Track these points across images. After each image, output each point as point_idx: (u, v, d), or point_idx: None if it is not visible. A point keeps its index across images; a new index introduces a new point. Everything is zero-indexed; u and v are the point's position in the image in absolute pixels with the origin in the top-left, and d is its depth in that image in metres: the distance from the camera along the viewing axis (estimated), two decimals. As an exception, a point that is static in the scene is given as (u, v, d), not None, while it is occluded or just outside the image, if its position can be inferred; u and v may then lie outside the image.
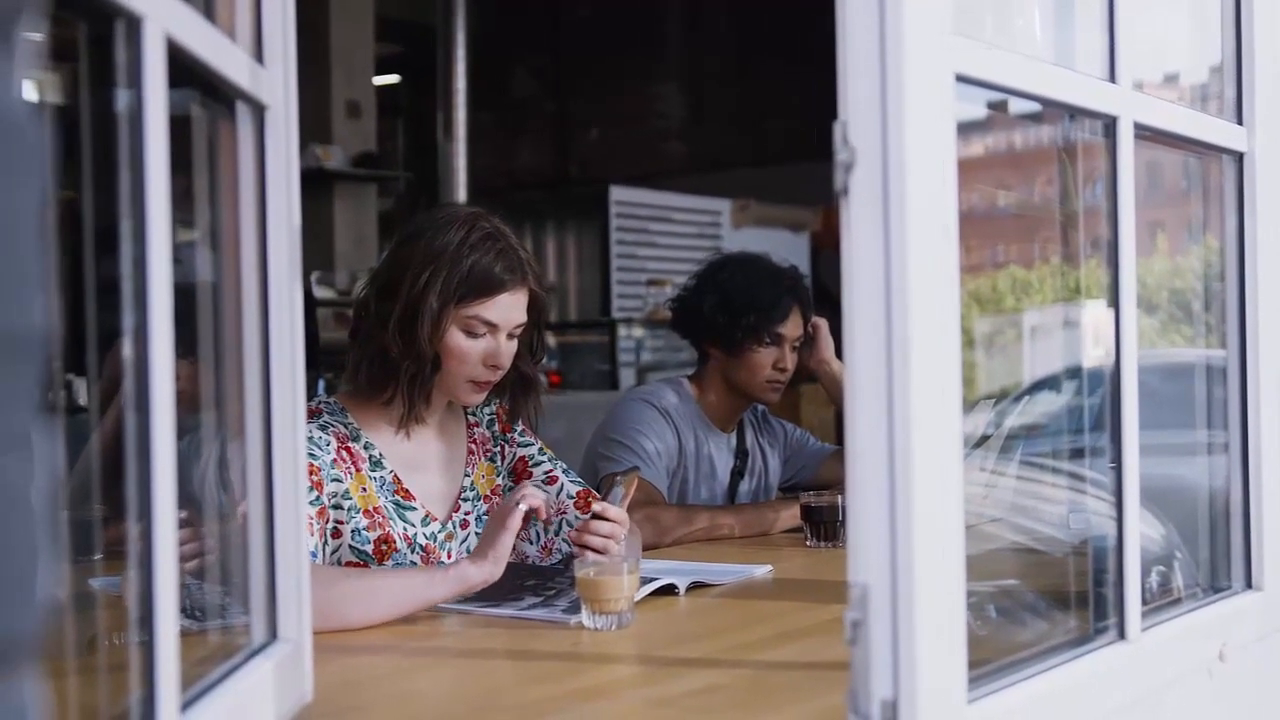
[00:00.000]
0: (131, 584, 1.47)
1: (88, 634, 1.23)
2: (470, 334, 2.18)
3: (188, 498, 1.10)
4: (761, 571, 2.32)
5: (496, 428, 2.41)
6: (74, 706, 1.11)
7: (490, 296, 2.17)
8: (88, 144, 1.03)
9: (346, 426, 2.20)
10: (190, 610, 1.30)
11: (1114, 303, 1.51)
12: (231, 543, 1.45)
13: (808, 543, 2.64)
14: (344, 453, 2.15)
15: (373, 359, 2.19)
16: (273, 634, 1.36)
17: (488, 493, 2.35)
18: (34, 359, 0.56)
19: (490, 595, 2.02)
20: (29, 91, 0.57)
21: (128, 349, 0.99)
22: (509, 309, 2.19)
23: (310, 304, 5.41)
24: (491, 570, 1.93)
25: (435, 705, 1.56)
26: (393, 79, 10.39)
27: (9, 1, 0.55)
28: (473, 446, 2.36)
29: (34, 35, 0.58)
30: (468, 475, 2.34)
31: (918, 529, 1.15)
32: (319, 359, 4.82)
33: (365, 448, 2.21)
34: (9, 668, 0.55)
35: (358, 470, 2.17)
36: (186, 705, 1.08)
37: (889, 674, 1.16)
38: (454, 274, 2.14)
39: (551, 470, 2.37)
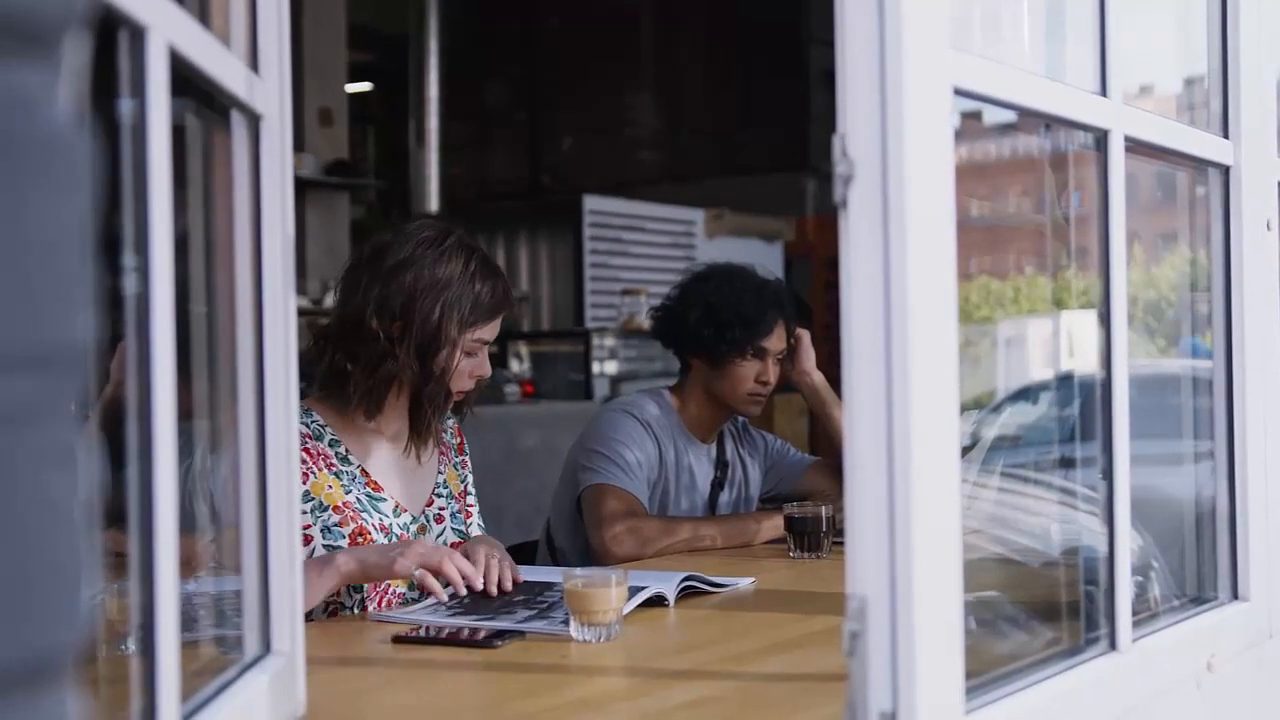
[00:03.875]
0: (114, 596, 1.45)
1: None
2: (470, 354, 2.27)
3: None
4: (745, 583, 2.32)
5: (456, 440, 2.50)
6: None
7: (493, 320, 2.29)
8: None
9: (309, 426, 2.22)
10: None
11: (1105, 313, 1.52)
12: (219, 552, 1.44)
13: (791, 554, 2.64)
14: (302, 454, 2.17)
15: (384, 383, 2.24)
16: (266, 647, 1.35)
17: (458, 493, 2.44)
18: (77, 372, 0.56)
19: (483, 609, 2.01)
20: (73, 104, 0.57)
21: (130, 359, 0.99)
22: (499, 325, 2.32)
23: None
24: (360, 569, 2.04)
25: (427, 719, 1.55)
26: (365, 87, 10.36)
27: (54, 17, 0.55)
28: (443, 448, 2.44)
29: (78, 48, 0.57)
30: (440, 473, 2.41)
31: (916, 541, 1.15)
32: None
33: (331, 445, 2.25)
34: (54, 680, 0.55)
35: (320, 469, 2.19)
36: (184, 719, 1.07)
37: (888, 686, 1.16)
38: (465, 303, 2.23)
39: (473, 506, 2.48)
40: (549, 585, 2.16)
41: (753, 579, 2.35)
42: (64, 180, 0.54)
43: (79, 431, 0.57)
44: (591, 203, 8.02)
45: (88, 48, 0.62)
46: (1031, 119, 1.58)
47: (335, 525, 2.18)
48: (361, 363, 2.21)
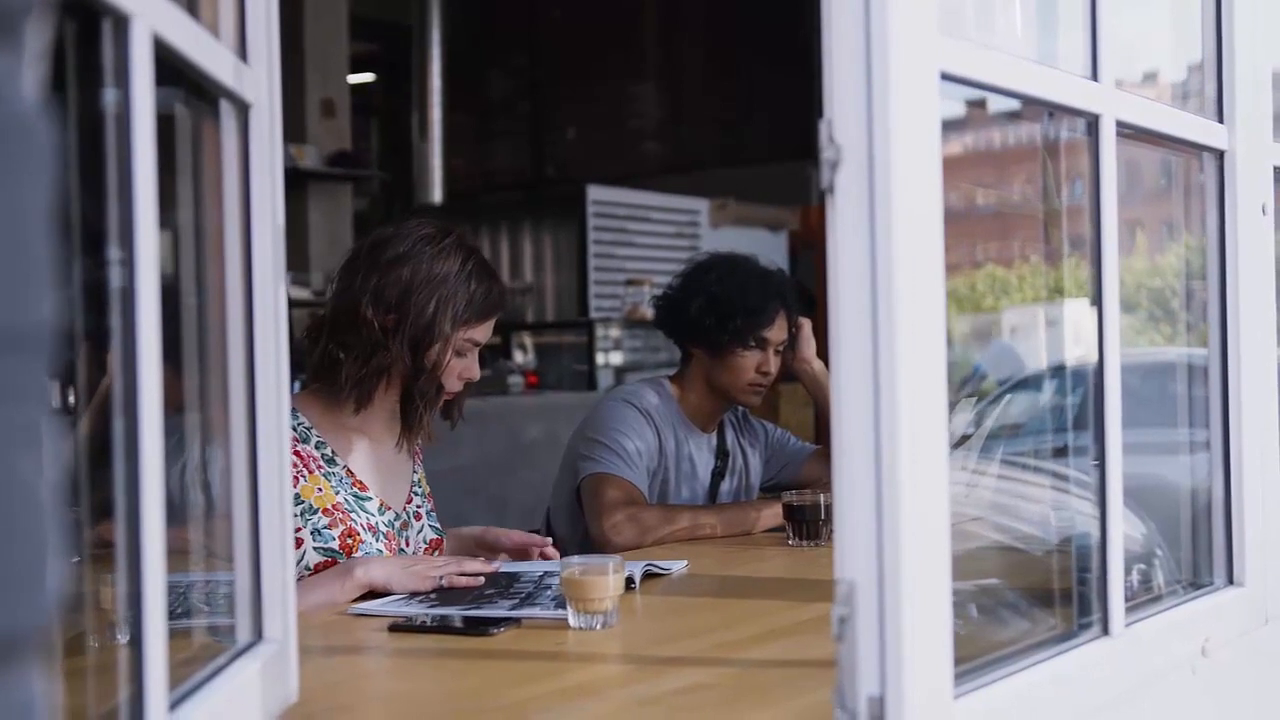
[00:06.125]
0: (111, 585, 1.46)
1: (70, 634, 1.22)
2: (460, 354, 2.28)
3: (168, 499, 1.10)
4: (680, 566, 2.35)
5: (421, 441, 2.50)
6: (58, 707, 1.10)
7: (486, 321, 2.30)
8: (71, 143, 1.02)
9: (295, 429, 2.22)
10: (173, 610, 1.29)
11: (1096, 300, 1.52)
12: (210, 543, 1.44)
13: (789, 542, 2.64)
14: (293, 457, 2.17)
15: (375, 375, 2.24)
16: (258, 634, 1.35)
17: (427, 493, 2.46)
18: (43, 355, 0.56)
19: (456, 601, 2.01)
20: (36, 88, 0.57)
21: (115, 352, 0.99)
22: (491, 328, 2.34)
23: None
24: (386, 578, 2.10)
25: (420, 705, 1.55)
26: (367, 77, 10.36)
27: (18, 1, 0.55)
28: (418, 448, 2.46)
29: (41, 33, 0.58)
30: (416, 472, 2.44)
31: (905, 525, 1.15)
32: (292, 360, 4.82)
33: (316, 447, 2.26)
34: (18, 662, 0.55)
35: (311, 471, 2.20)
36: (173, 705, 1.08)
37: (876, 670, 1.16)
38: (459, 301, 2.25)
39: (421, 507, 2.45)
40: (516, 576, 2.17)
41: (685, 562, 2.37)
42: (28, 163, 0.55)
43: (47, 412, 0.58)
44: (595, 193, 8.02)
45: (51, 32, 0.62)
46: (1032, 106, 1.58)
47: (325, 528, 2.19)
48: (354, 353, 2.23)
